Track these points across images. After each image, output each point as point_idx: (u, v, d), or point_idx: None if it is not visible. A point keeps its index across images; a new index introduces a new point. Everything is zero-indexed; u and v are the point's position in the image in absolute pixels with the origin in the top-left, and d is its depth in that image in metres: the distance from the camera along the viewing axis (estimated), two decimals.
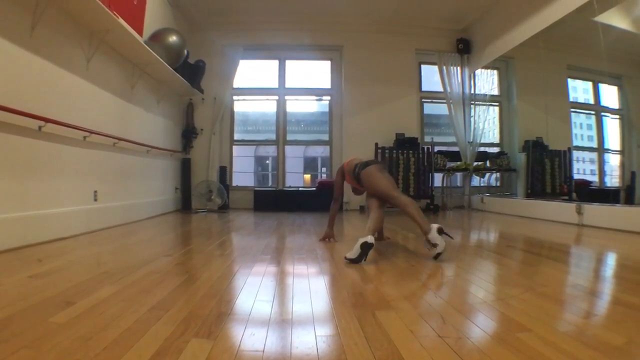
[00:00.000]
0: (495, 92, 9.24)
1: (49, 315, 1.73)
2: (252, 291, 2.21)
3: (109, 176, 5.29)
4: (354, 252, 3.00)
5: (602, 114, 7.82)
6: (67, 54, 4.35)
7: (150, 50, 5.65)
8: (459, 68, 9.16)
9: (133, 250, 3.67)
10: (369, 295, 2.12)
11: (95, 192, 4.94)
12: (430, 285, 2.40)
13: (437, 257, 3.08)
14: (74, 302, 1.91)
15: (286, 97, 9.35)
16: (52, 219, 4.06)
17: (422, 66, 9.43)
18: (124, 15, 5.09)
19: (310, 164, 14.21)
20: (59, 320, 1.67)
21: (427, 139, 9.05)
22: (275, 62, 9.38)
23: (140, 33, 5.81)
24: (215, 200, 7.98)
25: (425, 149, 8.37)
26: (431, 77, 9.45)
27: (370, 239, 2.99)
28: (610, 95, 7.82)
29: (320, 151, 12.46)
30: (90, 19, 4.46)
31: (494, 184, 9.51)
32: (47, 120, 3.86)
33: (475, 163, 8.87)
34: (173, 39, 6.37)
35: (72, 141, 4.45)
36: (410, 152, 8.26)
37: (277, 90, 9.34)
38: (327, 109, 9.42)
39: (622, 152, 7.34)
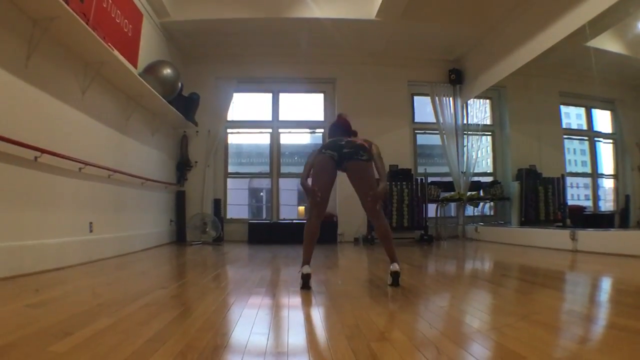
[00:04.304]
0: (488, 121, 9.36)
1: (47, 345, 1.72)
2: (248, 324, 2.20)
3: (104, 208, 5.30)
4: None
5: (596, 139, 7.90)
6: (62, 85, 4.40)
7: (145, 83, 5.73)
8: (451, 98, 9.25)
9: (129, 282, 3.65)
10: (363, 327, 2.11)
11: (91, 223, 4.93)
12: (424, 315, 2.40)
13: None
14: (71, 332, 1.90)
15: (280, 130, 9.40)
16: (48, 249, 4.05)
17: (415, 97, 9.54)
18: (118, 48, 5.18)
19: (304, 197, 14.21)
20: (58, 349, 1.66)
21: (421, 169, 9.05)
22: (269, 95, 9.46)
23: (135, 65, 5.89)
24: (209, 233, 7.95)
25: (419, 180, 8.40)
26: (424, 108, 9.54)
27: (304, 269, 3.26)
28: (603, 120, 7.91)
29: None
30: (85, 50, 4.53)
31: (488, 213, 9.53)
32: (43, 151, 3.88)
33: (469, 193, 8.90)
34: (167, 71, 6.45)
35: (68, 172, 4.46)
36: (404, 183, 8.27)
37: (271, 123, 9.39)
38: (320, 142, 9.45)
39: (616, 176, 7.40)
